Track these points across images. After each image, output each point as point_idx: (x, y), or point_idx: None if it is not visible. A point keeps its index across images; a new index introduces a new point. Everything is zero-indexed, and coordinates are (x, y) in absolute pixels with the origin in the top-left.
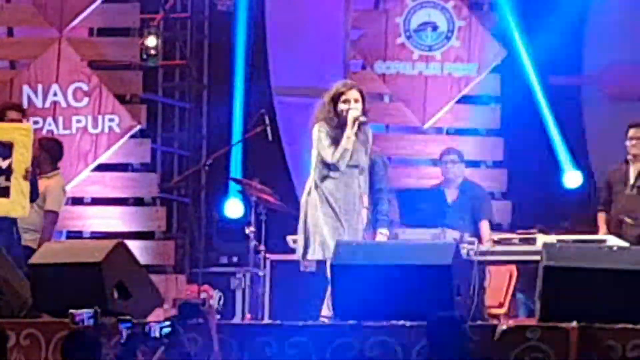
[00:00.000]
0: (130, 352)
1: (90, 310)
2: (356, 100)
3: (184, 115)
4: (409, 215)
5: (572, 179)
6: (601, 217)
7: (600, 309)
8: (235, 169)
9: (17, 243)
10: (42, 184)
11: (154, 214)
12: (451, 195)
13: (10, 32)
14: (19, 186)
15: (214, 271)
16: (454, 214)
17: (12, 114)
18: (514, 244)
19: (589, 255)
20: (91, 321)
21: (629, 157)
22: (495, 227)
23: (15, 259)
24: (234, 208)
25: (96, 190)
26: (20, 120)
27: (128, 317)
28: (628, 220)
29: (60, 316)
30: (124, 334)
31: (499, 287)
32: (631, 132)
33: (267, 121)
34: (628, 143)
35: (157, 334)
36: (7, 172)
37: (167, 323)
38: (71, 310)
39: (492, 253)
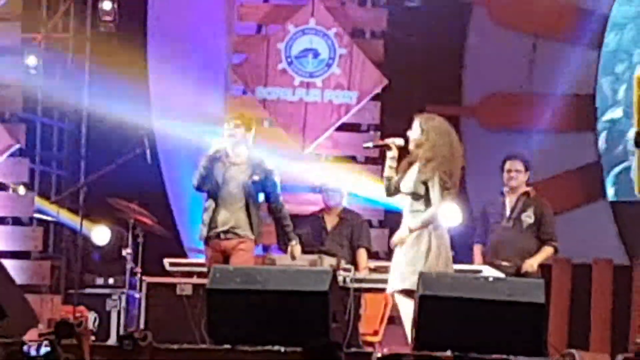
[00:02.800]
0: None
1: None
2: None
3: (63, 135)
4: (286, 241)
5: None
6: (477, 248)
7: (475, 339)
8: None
9: None
10: None
11: (30, 234)
12: (331, 222)
13: None
14: None
15: (89, 292)
16: (333, 241)
17: None
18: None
19: (464, 285)
20: None
21: (505, 189)
22: (374, 255)
23: None
24: (100, 235)
25: None
26: None
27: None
28: (504, 263)
29: None
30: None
31: (374, 315)
32: (508, 164)
33: (147, 144)
34: (505, 175)
35: (35, 354)
36: None
37: (46, 343)
38: None
39: (368, 281)
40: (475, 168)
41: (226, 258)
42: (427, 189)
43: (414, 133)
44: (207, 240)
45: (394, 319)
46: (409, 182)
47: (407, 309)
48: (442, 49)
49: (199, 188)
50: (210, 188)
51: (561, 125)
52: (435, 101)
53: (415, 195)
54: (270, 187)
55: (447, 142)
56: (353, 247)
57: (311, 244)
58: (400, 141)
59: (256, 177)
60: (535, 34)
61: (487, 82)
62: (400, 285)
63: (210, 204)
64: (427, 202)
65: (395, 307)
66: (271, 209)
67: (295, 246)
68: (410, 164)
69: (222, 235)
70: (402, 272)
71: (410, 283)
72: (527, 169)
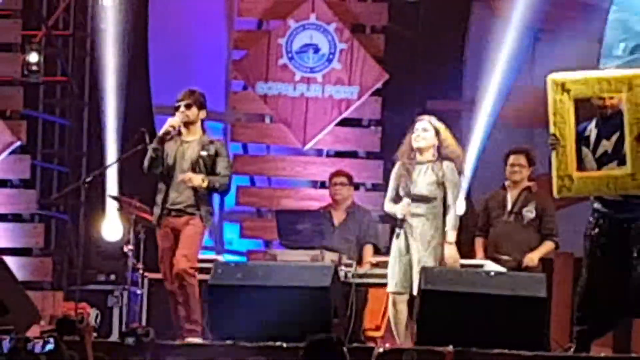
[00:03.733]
0: None
1: None
2: None
3: (65, 132)
4: (287, 237)
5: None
6: (478, 242)
7: (477, 333)
8: (114, 187)
9: None
10: None
11: (32, 231)
12: (338, 217)
13: None
14: None
15: (91, 289)
16: (340, 236)
17: None
18: None
19: (466, 280)
20: None
21: (507, 183)
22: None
23: None
24: (112, 230)
25: None
26: None
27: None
28: (504, 257)
29: None
30: (6, 347)
31: (376, 309)
32: (511, 158)
33: (148, 140)
34: (508, 169)
35: (40, 350)
36: None
37: (51, 339)
38: None
39: (370, 276)
40: (476, 162)
41: (176, 236)
42: (444, 190)
43: (429, 134)
44: (159, 221)
45: None
46: (424, 185)
47: None
48: (442, 44)
49: (149, 169)
50: (163, 169)
51: None
52: (437, 96)
53: (429, 199)
54: (219, 164)
55: (455, 141)
56: (360, 242)
57: (313, 240)
58: None
59: (204, 153)
60: (536, 27)
61: (488, 76)
62: None
63: (162, 185)
64: (444, 203)
65: None
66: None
67: (198, 177)
68: (408, 169)
69: (172, 213)
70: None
71: None
72: (530, 164)
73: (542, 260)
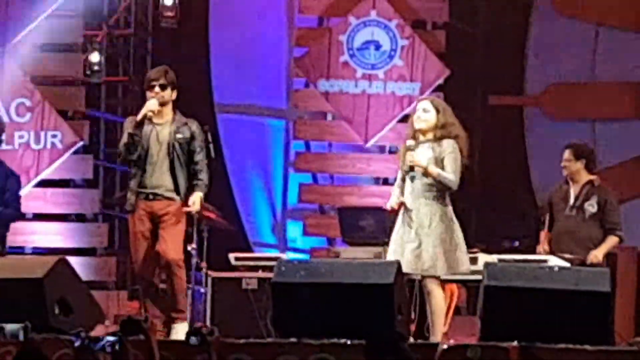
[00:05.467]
0: None
1: (21, 325)
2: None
3: None
4: (350, 234)
5: None
6: (543, 234)
7: (541, 328)
8: None
9: None
10: None
11: (95, 230)
12: None
13: None
14: None
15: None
16: None
17: None
18: None
19: (529, 275)
20: (21, 335)
21: (569, 177)
22: None
23: None
24: None
25: (38, 206)
26: None
27: (79, 330)
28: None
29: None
30: (76, 345)
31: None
32: (565, 153)
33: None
34: (562, 164)
35: (106, 349)
36: None
37: (116, 338)
38: (1, 325)
39: None
40: (539, 157)
41: (153, 220)
42: (442, 166)
43: (430, 115)
44: (133, 207)
45: (460, 310)
46: (425, 162)
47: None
48: (504, 39)
49: (125, 158)
50: (139, 155)
51: (625, 113)
52: (498, 91)
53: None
54: (195, 146)
55: (458, 123)
56: None
57: (376, 236)
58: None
59: (179, 136)
60: (598, 22)
61: (550, 71)
62: (433, 271)
63: (136, 170)
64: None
65: (460, 298)
66: (190, 169)
67: (197, 196)
68: (408, 149)
69: (150, 197)
70: (429, 258)
71: (441, 270)
72: (578, 158)
73: (606, 254)
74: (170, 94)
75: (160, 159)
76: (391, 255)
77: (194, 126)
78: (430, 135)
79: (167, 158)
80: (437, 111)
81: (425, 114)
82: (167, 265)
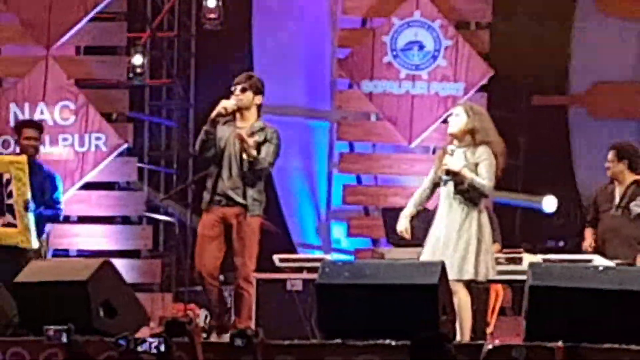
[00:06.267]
0: None
1: (64, 327)
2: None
3: (171, 134)
4: (395, 234)
5: (549, 203)
6: (588, 231)
7: (587, 328)
8: None
9: None
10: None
11: (140, 233)
12: None
13: None
14: (22, 219)
15: (200, 290)
16: None
17: (29, 132)
18: (500, 263)
19: (574, 275)
20: (65, 338)
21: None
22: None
23: None
24: None
25: (82, 209)
26: (37, 138)
27: (125, 334)
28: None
29: None
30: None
31: (487, 306)
32: (608, 154)
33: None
34: (606, 165)
35: (152, 350)
36: (11, 208)
37: (161, 339)
38: (45, 327)
39: None
40: (584, 157)
41: (226, 226)
42: (476, 172)
43: (460, 119)
44: (208, 206)
45: (505, 310)
46: (459, 166)
47: (464, 299)
48: (548, 39)
49: (200, 153)
50: (215, 153)
51: None
52: (542, 91)
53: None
54: (263, 149)
55: (493, 128)
56: None
57: (420, 237)
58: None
59: (252, 140)
60: None
61: (594, 71)
62: (459, 275)
63: (214, 169)
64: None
65: (505, 298)
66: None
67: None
68: (445, 153)
69: (222, 201)
70: (457, 260)
71: (468, 273)
72: (621, 159)
73: None
74: (250, 98)
75: (234, 161)
76: (424, 257)
77: (270, 131)
78: (464, 141)
79: (240, 160)
80: (467, 116)
81: (455, 118)
82: (236, 280)
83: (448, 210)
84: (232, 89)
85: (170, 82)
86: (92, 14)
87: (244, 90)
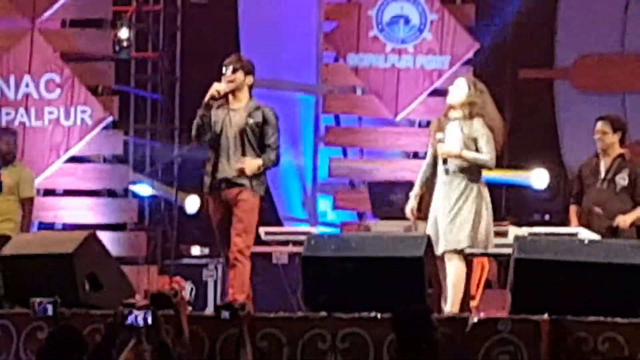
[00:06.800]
0: (109, 342)
1: (51, 300)
2: None
3: (156, 107)
4: (381, 208)
5: (539, 177)
6: (573, 209)
7: (572, 301)
8: None
9: None
10: (12, 174)
11: (126, 206)
12: None
13: None
14: None
15: (186, 263)
16: None
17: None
18: None
19: (560, 248)
20: (51, 311)
21: (599, 150)
22: None
23: None
24: (192, 203)
25: (68, 182)
26: (14, 143)
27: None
28: (597, 210)
29: None
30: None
31: (470, 279)
32: (596, 125)
33: None
34: (595, 137)
35: (140, 322)
36: None
37: (149, 311)
38: (32, 299)
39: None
40: (570, 130)
41: (228, 209)
42: (476, 147)
43: (461, 91)
44: (210, 191)
45: (491, 283)
46: (453, 142)
47: (459, 270)
48: (533, 12)
49: (197, 138)
50: (211, 137)
51: None
52: (528, 64)
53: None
54: (267, 130)
55: (492, 102)
56: None
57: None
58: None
59: (251, 121)
60: None
61: (580, 44)
62: (456, 245)
63: (211, 153)
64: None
65: (491, 271)
66: (261, 154)
67: (254, 161)
68: (441, 126)
69: (222, 185)
70: (454, 231)
71: (463, 243)
72: (615, 130)
73: (637, 228)
74: (242, 79)
75: (233, 143)
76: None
77: (267, 110)
78: (459, 113)
79: (240, 142)
80: (469, 88)
81: (457, 89)
82: (233, 254)
83: (448, 183)
84: (223, 71)
85: (156, 56)
86: None
87: (234, 71)
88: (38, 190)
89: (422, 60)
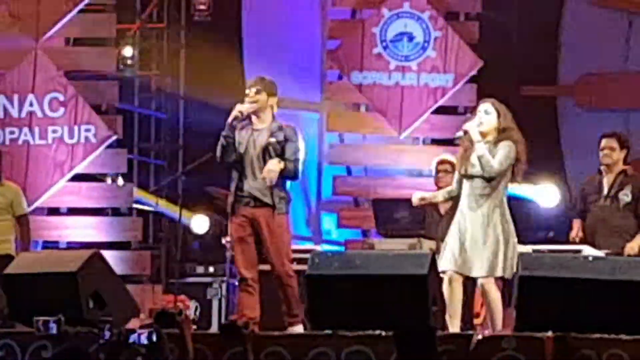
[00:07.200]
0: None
1: (55, 318)
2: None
3: (160, 125)
4: (385, 225)
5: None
6: (576, 222)
7: (576, 318)
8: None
9: None
10: (3, 193)
11: (130, 224)
12: (444, 205)
13: None
14: None
15: (190, 281)
16: (447, 225)
17: None
18: None
19: (564, 265)
20: (55, 329)
21: (602, 167)
22: None
23: None
24: (200, 224)
25: (72, 201)
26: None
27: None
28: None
29: None
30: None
31: (474, 297)
32: (603, 142)
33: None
34: (600, 153)
35: (144, 341)
36: None
37: (152, 330)
38: (35, 318)
39: None
40: (573, 147)
41: (252, 228)
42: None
43: (493, 117)
44: (233, 209)
45: None
46: (479, 164)
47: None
48: (537, 30)
49: (222, 159)
50: (235, 157)
51: None
52: (531, 82)
53: (487, 177)
54: (287, 147)
55: (516, 125)
56: None
57: (410, 228)
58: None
59: (272, 140)
60: (631, 11)
61: (583, 61)
62: (490, 272)
63: (235, 173)
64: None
65: None
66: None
67: (275, 162)
68: (468, 150)
69: (251, 203)
70: (488, 257)
71: (499, 270)
72: (622, 147)
73: None
74: (264, 100)
75: (257, 162)
76: (448, 254)
77: (289, 130)
78: (489, 138)
79: (262, 160)
80: (498, 114)
81: (487, 116)
82: (278, 277)
83: (472, 205)
84: (246, 92)
85: (159, 74)
86: (81, 5)
87: (257, 92)
88: (42, 209)
89: (426, 78)
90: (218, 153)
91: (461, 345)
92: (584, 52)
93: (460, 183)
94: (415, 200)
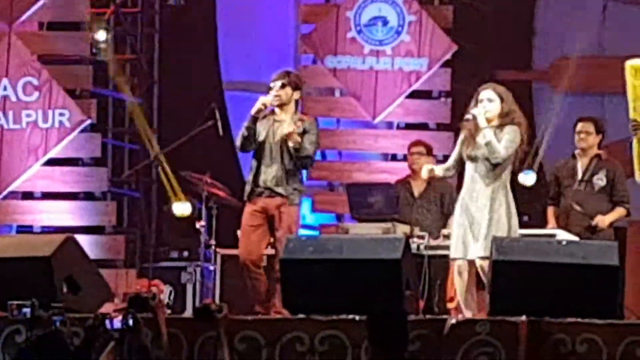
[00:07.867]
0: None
1: (28, 302)
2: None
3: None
4: (359, 210)
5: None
6: (550, 210)
7: (550, 303)
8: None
9: None
10: None
11: (104, 209)
12: (418, 188)
13: None
14: None
15: (164, 266)
16: (421, 207)
17: None
18: None
19: (538, 250)
20: (29, 314)
21: (577, 151)
22: None
23: None
24: (182, 209)
25: (46, 185)
26: None
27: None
28: (577, 207)
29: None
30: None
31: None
32: (579, 126)
33: (218, 116)
34: (576, 137)
35: (120, 326)
36: None
37: (129, 315)
38: (9, 302)
39: (443, 247)
40: (548, 132)
41: (268, 216)
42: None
43: (496, 104)
44: (249, 198)
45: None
46: (484, 148)
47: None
48: (511, 14)
49: (242, 149)
50: (255, 147)
51: None
52: (506, 66)
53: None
54: (305, 139)
55: (517, 107)
56: (444, 213)
57: (384, 212)
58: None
59: (297, 129)
60: None
61: (558, 45)
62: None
63: (254, 162)
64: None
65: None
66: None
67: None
68: (473, 135)
69: (265, 193)
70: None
71: None
72: (598, 132)
73: (615, 228)
74: (289, 94)
75: (276, 151)
76: (457, 240)
77: (308, 123)
78: (494, 122)
79: (279, 151)
80: (501, 99)
81: (491, 103)
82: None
83: (475, 188)
84: (271, 85)
85: (134, 58)
86: None
87: (283, 86)
88: (16, 194)
89: (400, 62)
90: (238, 143)
91: (435, 329)
92: (558, 37)
93: (459, 163)
94: (424, 173)
